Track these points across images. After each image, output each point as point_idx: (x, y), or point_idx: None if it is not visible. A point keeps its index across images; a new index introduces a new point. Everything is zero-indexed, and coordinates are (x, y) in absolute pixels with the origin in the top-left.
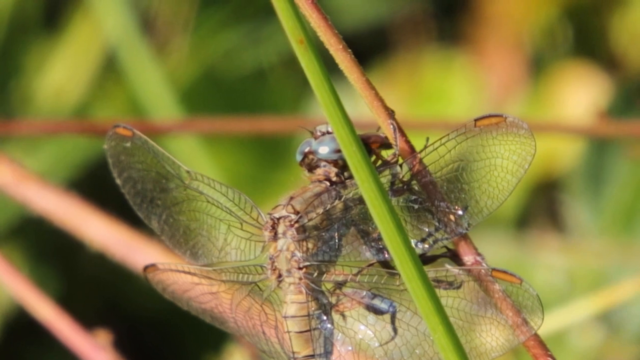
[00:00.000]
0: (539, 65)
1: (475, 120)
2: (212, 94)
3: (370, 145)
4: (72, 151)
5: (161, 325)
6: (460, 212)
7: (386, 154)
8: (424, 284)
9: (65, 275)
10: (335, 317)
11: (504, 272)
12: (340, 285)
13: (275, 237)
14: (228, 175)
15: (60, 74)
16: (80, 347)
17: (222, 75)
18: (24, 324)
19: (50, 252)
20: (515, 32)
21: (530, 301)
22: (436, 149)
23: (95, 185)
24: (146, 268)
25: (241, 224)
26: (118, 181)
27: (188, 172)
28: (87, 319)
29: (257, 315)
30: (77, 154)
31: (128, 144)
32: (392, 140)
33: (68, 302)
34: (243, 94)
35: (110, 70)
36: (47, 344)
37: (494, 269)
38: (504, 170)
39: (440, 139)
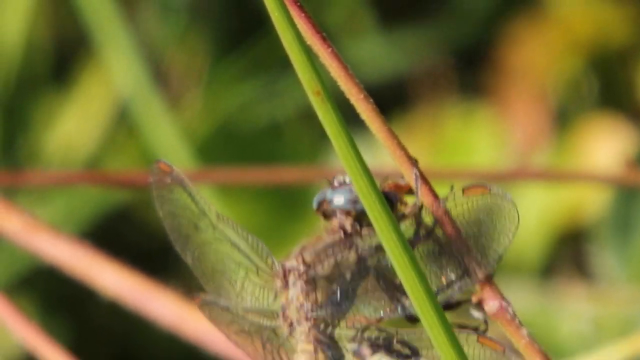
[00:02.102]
0: (563, 117)
1: (464, 188)
2: (227, 148)
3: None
4: (83, 203)
5: None
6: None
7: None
8: (446, 332)
9: (77, 324)
10: None
11: (489, 338)
12: (361, 331)
13: (286, 287)
14: (244, 226)
15: (70, 127)
16: None
17: (237, 129)
18: None
19: (62, 302)
20: (539, 84)
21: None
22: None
23: (108, 237)
24: (195, 298)
25: (257, 271)
26: (160, 214)
27: (217, 214)
28: None
29: None
30: (88, 206)
31: (168, 180)
32: (414, 189)
33: (79, 352)
34: (259, 147)
35: (122, 123)
36: None
37: (480, 335)
38: (491, 237)
39: (431, 205)
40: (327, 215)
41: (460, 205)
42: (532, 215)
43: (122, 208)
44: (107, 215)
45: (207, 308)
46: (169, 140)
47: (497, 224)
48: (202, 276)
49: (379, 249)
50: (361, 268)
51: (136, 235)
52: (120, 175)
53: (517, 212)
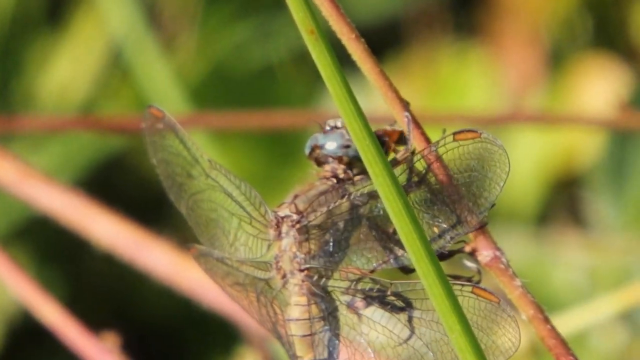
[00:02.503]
0: (557, 58)
1: (454, 133)
2: (221, 91)
3: (384, 139)
4: (77, 150)
5: (170, 329)
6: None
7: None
8: (441, 281)
9: (72, 276)
10: (350, 316)
11: (484, 289)
12: (354, 283)
13: (279, 236)
14: (238, 172)
15: (64, 71)
16: (86, 351)
17: (232, 71)
18: (28, 327)
19: (56, 253)
20: (533, 24)
21: (509, 324)
22: (419, 159)
23: (102, 186)
24: (190, 249)
25: (250, 220)
26: (153, 161)
27: (209, 161)
28: (94, 322)
29: (267, 314)
30: (83, 153)
31: (160, 125)
32: (406, 133)
33: (74, 305)
34: (253, 90)
35: (116, 67)
36: (53, 347)
37: (474, 286)
38: (481, 184)
39: (422, 150)
40: (320, 161)
41: (451, 151)
42: (526, 161)
43: (116, 156)
44: (101, 164)
45: (203, 259)
46: (163, 83)
47: (488, 171)
48: (197, 226)
49: (372, 196)
50: (354, 217)
51: (130, 184)
52: (115, 120)
53: (508, 158)
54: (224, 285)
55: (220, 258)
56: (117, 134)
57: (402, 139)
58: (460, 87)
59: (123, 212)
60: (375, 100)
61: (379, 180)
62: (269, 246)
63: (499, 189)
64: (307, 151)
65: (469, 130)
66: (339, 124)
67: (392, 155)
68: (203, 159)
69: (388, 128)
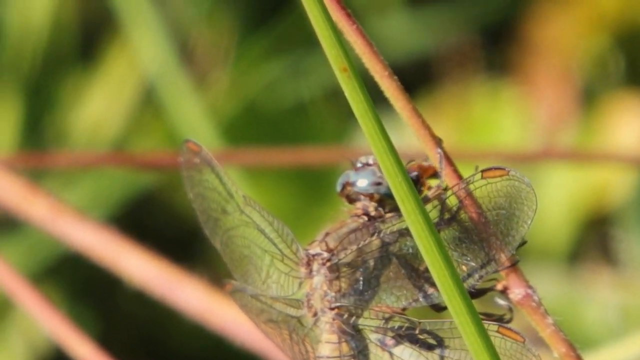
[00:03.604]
0: (589, 95)
1: (482, 171)
2: (253, 128)
3: (416, 176)
4: (109, 186)
5: None
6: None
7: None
8: (474, 319)
9: (104, 314)
10: (380, 354)
11: (509, 329)
12: (385, 321)
13: (310, 274)
14: (270, 209)
15: (97, 107)
16: None
17: (264, 108)
18: None
19: (89, 290)
20: (565, 62)
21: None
22: (448, 197)
23: (134, 222)
24: (225, 285)
25: (282, 258)
26: (190, 195)
27: (244, 197)
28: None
29: (299, 352)
30: (115, 189)
31: (197, 160)
32: (438, 170)
33: (106, 342)
34: (285, 127)
35: (148, 103)
36: None
37: (500, 325)
38: (509, 222)
39: (453, 186)
40: (351, 199)
41: (479, 189)
42: (558, 198)
43: (148, 192)
44: (134, 199)
45: (238, 295)
46: (195, 120)
47: (516, 209)
48: (230, 262)
49: (403, 234)
50: (384, 255)
51: (162, 221)
52: (147, 156)
53: (536, 196)
54: (259, 322)
55: (255, 295)
56: (149, 170)
57: (434, 175)
58: (492, 125)
59: (155, 249)
60: (408, 137)
61: (411, 217)
62: (300, 284)
63: (527, 227)
64: (338, 188)
65: (497, 168)
66: (370, 161)
67: (423, 192)
68: (238, 195)
69: (424, 164)
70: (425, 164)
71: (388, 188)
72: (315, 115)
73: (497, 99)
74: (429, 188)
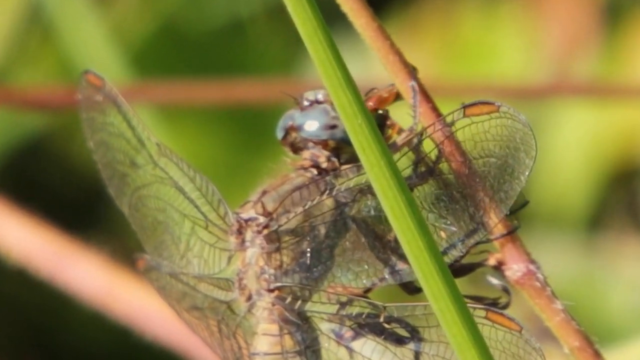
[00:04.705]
0: (614, 12)
1: (464, 107)
2: (171, 55)
3: (381, 116)
4: None
5: None
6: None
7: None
8: (457, 304)
9: None
10: (335, 350)
11: (501, 314)
12: (340, 306)
13: (242, 246)
14: (192, 159)
15: None
16: None
17: (185, 29)
18: None
19: None
20: None
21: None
22: (421, 140)
23: (17, 178)
24: (138, 260)
25: (206, 224)
26: (90, 144)
27: (158, 145)
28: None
29: (230, 348)
30: None
31: (99, 97)
32: (411, 107)
33: None
34: (213, 52)
35: (34, 22)
36: None
37: (489, 310)
38: (500, 174)
39: (425, 128)
40: (296, 147)
41: (460, 130)
42: (573, 146)
43: (34, 138)
44: (15, 149)
45: (154, 275)
46: (96, 44)
47: (509, 156)
48: (141, 230)
49: (363, 191)
50: (339, 219)
51: (53, 177)
52: (33, 92)
53: (534, 137)
54: (180, 309)
55: (174, 273)
56: (35, 110)
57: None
58: (487, 50)
59: (42, 214)
60: (372, 66)
61: (374, 170)
62: (229, 258)
63: (524, 179)
64: (280, 134)
65: (484, 103)
66: (320, 97)
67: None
68: (151, 142)
69: (383, 94)
70: (385, 93)
71: (345, 131)
72: (253, 37)
73: (493, 15)
74: (399, 131)
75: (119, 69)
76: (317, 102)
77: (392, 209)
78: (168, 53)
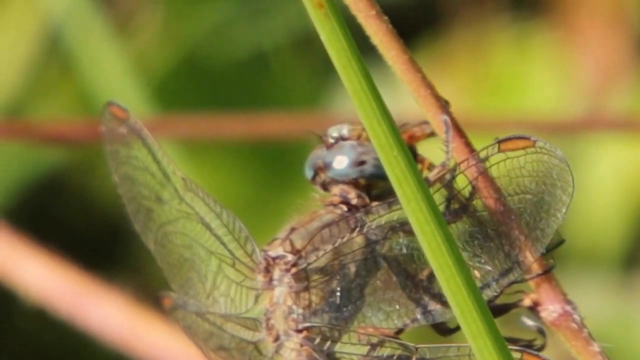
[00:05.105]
0: None
1: (499, 142)
2: (193, 86)
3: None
4: (2, 166)
5: None
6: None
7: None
8: (497, 343)
9: None
10: None
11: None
12: (374, 347)
13: (270, 284)
14: (215, 194)
15: None
16: None
17: (208, 62)
18: None
19: None
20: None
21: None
22: (455, 176)
23: (35, 216)
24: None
25: (233, 262)
26: (114, 178)
27: (184, 179)
28: None
29: None
30: (9, 170)
31: (123, 130)
32: (443, 142)
33: None
34: (236, 85)
35: (54, 54)
36: None
37: (525, 352)
38: (536, 211)
39: (459, 163)
40: (326, 185)
41: (495, 166)
42: (608, 182)
43: (54, 173)
44: (34, 184)
45: (180, 314)
46: (118, 77)
47: (545, 192)
48: (167, 268)
49: (394, 229)
50: (370, 257)
51: (73, 213)
52: (51, 125)
53: (572, 174)
54: (206, 350)
55: (200, 312)
56: (54, 144)
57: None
58: (519, 83)
59: (61, 250)
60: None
61: (411, 204)
62: (257, 297)
63: (561, 217)
64: (309, 174)
65: (519, 138)
66: (345, 133)
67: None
68: (176, 177)
69: (414, 130)
70: (416, 129)
71: (375, 166)
72: (277, 69)
73: (525, 48)
74: (430, 167)
75: (140, 102)
76: (342, 138)
77: (429, 244)
78: (190, 86)
